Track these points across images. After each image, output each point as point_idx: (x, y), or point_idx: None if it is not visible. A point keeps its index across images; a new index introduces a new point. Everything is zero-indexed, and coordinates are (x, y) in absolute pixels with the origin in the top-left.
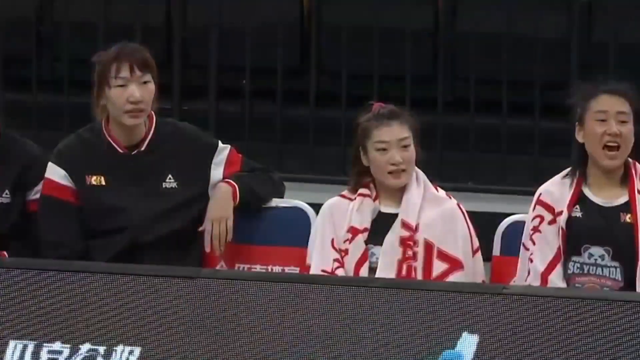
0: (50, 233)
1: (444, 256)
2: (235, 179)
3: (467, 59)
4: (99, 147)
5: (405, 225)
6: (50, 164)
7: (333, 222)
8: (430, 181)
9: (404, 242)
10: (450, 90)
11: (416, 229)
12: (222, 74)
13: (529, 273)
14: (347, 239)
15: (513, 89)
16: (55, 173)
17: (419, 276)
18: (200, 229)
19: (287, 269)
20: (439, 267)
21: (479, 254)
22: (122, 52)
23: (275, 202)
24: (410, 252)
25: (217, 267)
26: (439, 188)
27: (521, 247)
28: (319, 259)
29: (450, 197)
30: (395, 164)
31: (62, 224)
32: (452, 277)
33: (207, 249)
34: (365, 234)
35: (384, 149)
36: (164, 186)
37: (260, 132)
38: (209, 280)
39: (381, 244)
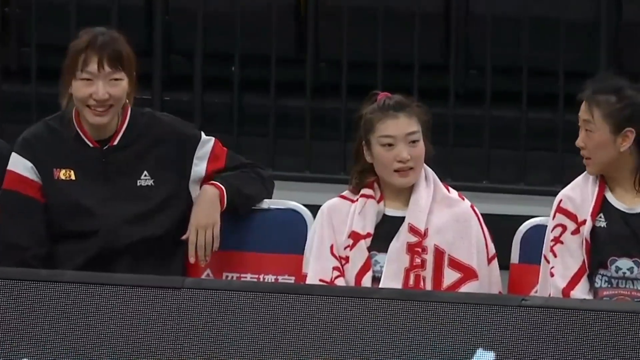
0: (11, 234)
1: (456, 264)
2: (222, 181)
3: (482, 45)
4: (68, 139)
5: (412, 230)
6: (14, 154)
7: (332, 226)
8: (441, 180)
9: (411, 249)
10: (463, 80)
11: (425, 234)
12: (209, 62)
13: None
14: (348, 245)
15: (533, 79)
16: (19, 165)
17: (428, 286)
18: (184, 237)
19: (280, 279)
20: (450, 276)
21: (495, 262)
22: (93, 43)
23: (268, 203)
24: (418, 260)
25: (203, 277)
26: (450, 188)
27: (542, 258)
28: (317, 267)
29: (463, 199)
30: (402, 160)
31: (25, 224)
32: (465, 288)
33: (192, 260)
34: (369, 240)
35: (390, 144)
36: (138, 184)
37: (251, 126)
38: (194, 292)
39: (386, 251)
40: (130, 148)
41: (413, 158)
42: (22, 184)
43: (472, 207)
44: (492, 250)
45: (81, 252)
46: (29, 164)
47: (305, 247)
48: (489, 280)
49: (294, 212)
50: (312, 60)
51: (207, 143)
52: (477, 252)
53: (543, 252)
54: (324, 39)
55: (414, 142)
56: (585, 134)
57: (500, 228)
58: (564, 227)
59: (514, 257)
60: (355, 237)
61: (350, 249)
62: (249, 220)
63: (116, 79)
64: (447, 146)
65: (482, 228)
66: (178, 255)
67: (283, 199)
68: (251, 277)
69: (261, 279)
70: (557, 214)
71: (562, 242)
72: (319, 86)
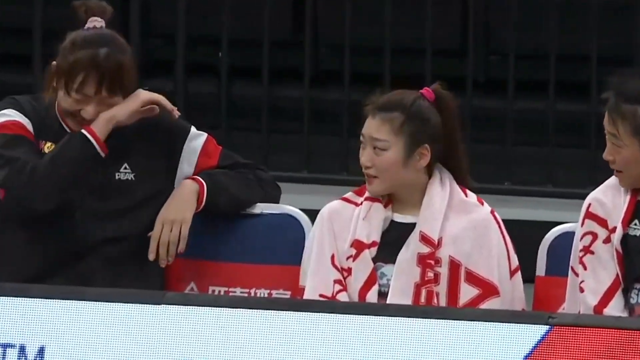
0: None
1: (474, 279)
2: (205, 176)
3: (504, 27)
4: (49, 120)
5: (424, 239)
6: (10, 110)
7: (333, 233)
8: (458, 183)
9: (422, 261)
10: (483, 67)
11: (439, 244)
12: (193, 46)
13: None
14: (351, 256)
15: (562, 66)
16: (20, 117)
17: (442, 304)
18: (150, 234)
19: (275, 293)
20: (467, 292)
21: (518, 275)
22: (96, 64)
23: (260, 207)
24: (431, 274)
25: (186, 290)
26: (468, 191)
27: (569, 271)
28: (316, 280)
29: (482, 203)
30: (362, 165)
31: (32, 152)
32: (485, 306)
33: (151, 256)
34: (374, 250)
35: (362, 144)
36: (117, 177)
37: (241, 120)
38: (175, 308)
39: (393, 262)
40: (110, 139)
41: (375, 167)
42: (24, 130)
43: (492, 213)
44: (515, 262)
45: (48, 245)
46: (26, 119)
47: (303, 257)
48: (512, 296)
49: (290, 218)
50: (310, 45)
51: (197, 138)
52: (498, 264)
53: (571, 264)
54: (323, 20)
55: (377, 149)
56: (612, 147)
57: (524, 236)
58: (595, 235)
59: (540, 268)
60: (358, 246)
61: (353, 260)
62: (238, 227)
63: (111, 103)
64: (464, 142)
65: (503, 237)
66: (157, 262)
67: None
68: (241, 292)
69: (252, 294)
70: (587, 220)
71: (592, 253)
72: (319, 74)
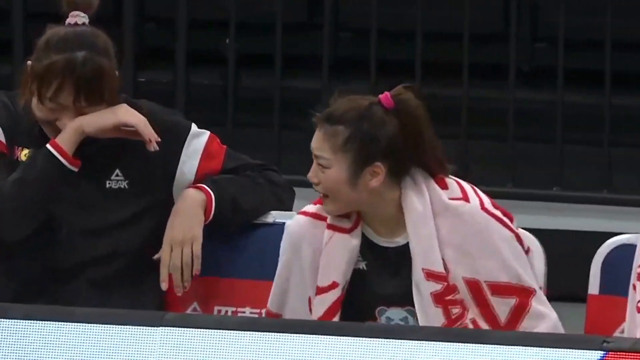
0: None
1: (500, 289)
2: (211, 184)
3: (553, 10)
4: (27, 123)
5: (431, 276)
6: None
7: (300, 265)
8: (435, 176)
9: (440, 300)
10: (527, 55)
11: (445, 269)
12: (195, 32)
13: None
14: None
15: (619, 55)
16: None
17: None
18: (156, 256)
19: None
20: (503, 305)
21: (529, 255)
22: (70, 70)
23: (273, 215)
24: (456, 310)
25: (188, 311)
26: (448, 182)
27: (630, 289)
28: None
29: (467, 197)
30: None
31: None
32: (533, 312)
33: (163, 286)
34: (335, 292)
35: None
36: (107, 186)
37: (250, 114)
38: (176, 330)
39: (398, 304)
40: (99, 141)
41: (322, 184)
42: None
43: (481, 206)
44: (525, 243)
45: (29, 265)
46: None
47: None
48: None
49: None
50: (329, 29)
51: (199, 137)
52: (515, 258)
53: (631, 281)
54: (345, 1)
55: (322, 166)
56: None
57: (575, 248)
58: None
59: (593, 286)
60: (318, 290)
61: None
62: (247, 238)
63: (90, 112)
64: (506, 140)
65: (504, 225)
66: (155, 281)
67: (293, 209)
68: (250, 312)
69: (263, 315)
70: None
71: None
72: (339, 63)
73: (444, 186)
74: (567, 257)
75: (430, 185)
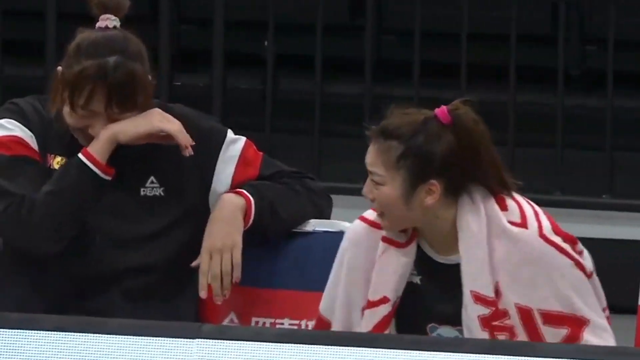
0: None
1: (553, 318)
2: (250, 189)
3: (603, 11)
4: (59, 129)
5: (479, 299)
6: (9, 120)
7: (351, 276)
8: (495, 195)
9: (487, 324)
10: (576, 58)
11: (498, 294)
12: (233, 33)
13: None
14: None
15: None
16: (21, 130)
17: None
18: (194, 263)
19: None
20: (554, 335)
21: (594, 277)
22: (102, 76)
23: (312, 224)
24: (504, 336)
25: (225, 322)
26: (508, 203)
27: None
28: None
29: (526, 223)
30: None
31: (34, 180)
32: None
33: (202, 294)
34: (385, 307)
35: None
36: (142, 193)
37: (288, 120)
38: (213, 343)
39: (449, 323)
40: (134, 147)
41: (376, 201)
42: (28, 149)
43: (540, 233)
44: (589, 266)
45: (61, 277)
46: (29, 132)
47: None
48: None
49: None
50: (372, 31)
51: (235, 144)
52: (572, 287)
53: None
54: (388, 1)
55: (376, 183)
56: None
57: (624, 257)
58: None
59: None
60: (368, 304)
61: (365, 308)
62: (285, 247)
63: (123, 119)
64: (554, 147)
65: (565, 253)
66: (190, 291)
67: (332, 217)
68: (290, 324)
69: (303, 326)
70: None
71: None
72: (382, 66)
73: (504, 207)
74: (617, 266)
75: (488, 205)
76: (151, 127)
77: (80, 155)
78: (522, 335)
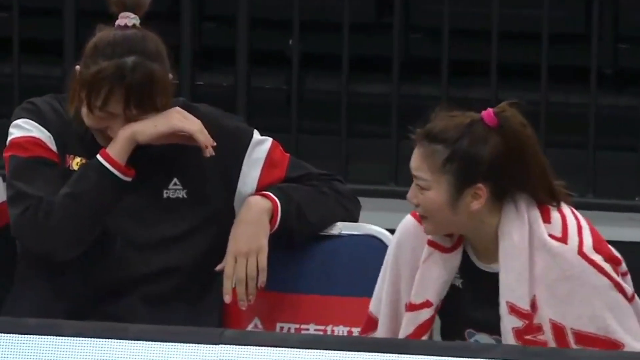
0: (33, 189)
1: (585, 339)
2: (277, 191)
3: (637, 9)
4: (78, 129)
5: (514, 311)
6: (27, 120)
7: (399, 271)
8: (543, 204)
9: (521, 337)
10: (610, 56)
11: (534, 307)
12: (257, 31)
13: None
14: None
15: None
16: (39, 131)
17: None
18: (218, 267)
19: (355, 331)
20: None
21: (636, 301)
22: (120, 77)
23: (338, 227)
24: None
25: (249, 327)
26: (552, 215)
27: None
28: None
29: (566, 239)
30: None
31: (52, 182)
32: None
33: (227, 299)
34: (428, 311)
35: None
36: (165, 195)
37: (314, 120)
38: (236, 348)
39: (486, 330)
40: (156, 147)
41: (421, 206)
42: (46, 150)
43: (580, 251)
44: (629, 289)
45: (80, 281)
46: (47, 133)
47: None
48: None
49: (374, 240)
50: (399, 29)
51: (261, 145)
52: (609, 309)
53: None
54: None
55: (421, 188)
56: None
57: None
58: None
59: None
60: (410, 306)
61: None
62: (312, 251)
63: (142, 120)
64: (586, 148)
65: (604, 274)
66: (213, 296)
67: (359, 220)
68: (315, 330)
69: (329, 332)
70: None
71: None
72: (409, 64)
73: (547, 219)
74: None
75: (532, 215)
76: (170, 127)
77: (98, 156)
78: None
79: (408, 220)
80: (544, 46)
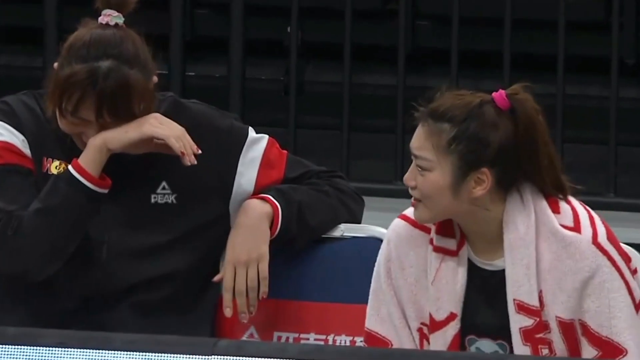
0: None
1: (590, 336)
2: (277, 194)
3: None
4: (57, 131)
5: (522, 308)
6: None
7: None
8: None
9: (529, 338)
10: (632, 45)
11: (541, 304)
12: (253, 19)
13: None
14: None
15: None
16: (11, 135)
17: None
18: (216, 278)
19: (358, 341)
20: (588, 352)
21: None
22: (93, 83)
23: (340, 229)
24: (545, 351)
25: (244, 337)
26: (561, 205)
27: None
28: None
29: (579, 228)
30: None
31: (24, 192)
32: None
33: (227, 312)
34: (455, 323)
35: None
36: (153, 200)
37: (314, 114)
38: (230, 359)
39: (489, 334)
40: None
41: (418, 189)
42: (18, 156)
43: (594, 241)
44: (638, 295)
45: (65, 292)
46: (21, 136)
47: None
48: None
49: (378, 242)
50: (406, 17)
51: (257, 143)
52: (619, 309)
53: None
54: None
55: (421, 169)
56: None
57: None
58: None
59: None
60: (432, 325)
61: (429, 332)
62: (311, 255)
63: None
64: (606, 144)
65: (617, 269)
66: (207, 305)
67: (362, 222)
68: (315, 339)
69: (330, 342)
70: None
71: None
72: (416, 54)
73: (556, 210)
74: None
75: (539, 205)
76: (141, 133)
77: (70, 167)
78: (560, 348)
79: (399, 223)
80: (561, 35)
